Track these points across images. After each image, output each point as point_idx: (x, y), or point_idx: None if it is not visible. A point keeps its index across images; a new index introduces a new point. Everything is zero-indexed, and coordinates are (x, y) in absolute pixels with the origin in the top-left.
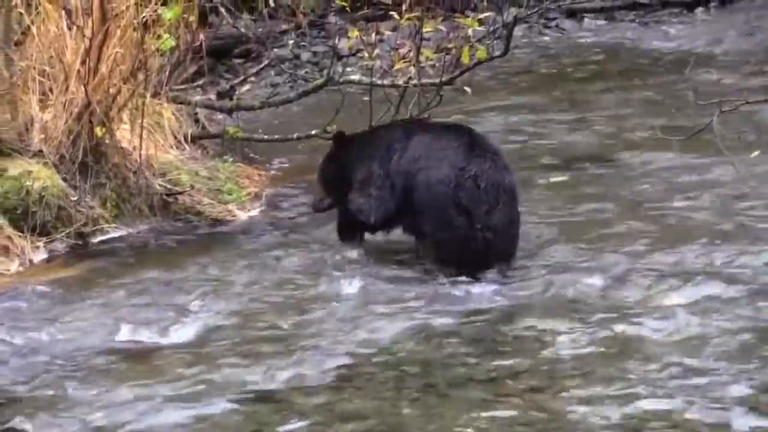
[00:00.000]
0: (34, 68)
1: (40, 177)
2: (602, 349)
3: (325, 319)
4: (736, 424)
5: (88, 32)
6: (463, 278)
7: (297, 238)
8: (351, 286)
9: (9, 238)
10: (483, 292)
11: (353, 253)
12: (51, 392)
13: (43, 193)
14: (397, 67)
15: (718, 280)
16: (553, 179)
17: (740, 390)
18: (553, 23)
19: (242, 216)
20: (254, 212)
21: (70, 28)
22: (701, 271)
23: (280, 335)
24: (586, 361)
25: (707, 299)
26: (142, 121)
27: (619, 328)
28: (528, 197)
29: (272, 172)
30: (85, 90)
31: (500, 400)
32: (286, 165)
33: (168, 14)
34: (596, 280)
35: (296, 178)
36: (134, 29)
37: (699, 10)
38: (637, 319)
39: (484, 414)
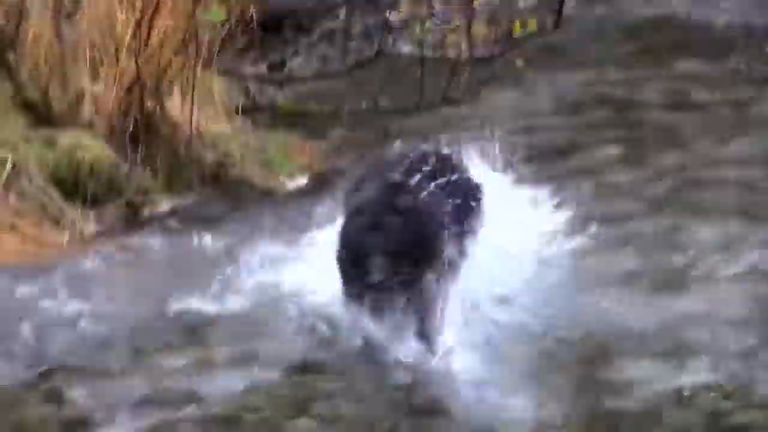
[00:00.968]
0: (85, 41)
1: (91, 149)
2: None
3: None
4: None
5: (138, 4)
6: None
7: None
8: None
9: (60, 209)
10: None
11: None
12: (100, 361)
13: (93, 165)
14: (448, 39)
15: None
16: None
17: None
18: None
19: (292, 187)
20: (304, 184)
21: (120, 1)
22: None
23: (331, 305)
24: None
25: None
26: (192, 94)
27: None
28: None
29: (322, 144)
30: (136, 62)
31: None
32: (335, 138)
33: None
34: None
35: (346, 150)
36: (185, 1)
37: None
38: None
39: None
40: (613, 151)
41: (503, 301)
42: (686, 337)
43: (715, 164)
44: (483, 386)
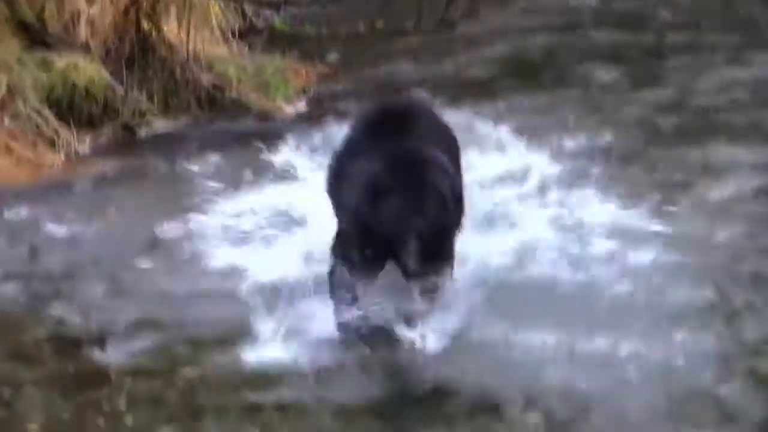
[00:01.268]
0: None
1: (86, 71)
2: None
3: None
4: None
5: None
6: None
7: (340, 132)
8: None
9: (55, 131)
10: None
11: None
12: (97, 284)
13: (89, 86)
14: None
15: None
16: None
17: None
18: None
19: (289, 111)
20: (301, 107)
21: None
22: None
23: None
24: None
25: None
26: (189, 16)
27: None
28: None
29: (319, 67)
30: None
31: None
32: (332, 61)
33: None
34: None
35: (343, 74)
36: None
37: None
38: None
39: None
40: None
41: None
42: None
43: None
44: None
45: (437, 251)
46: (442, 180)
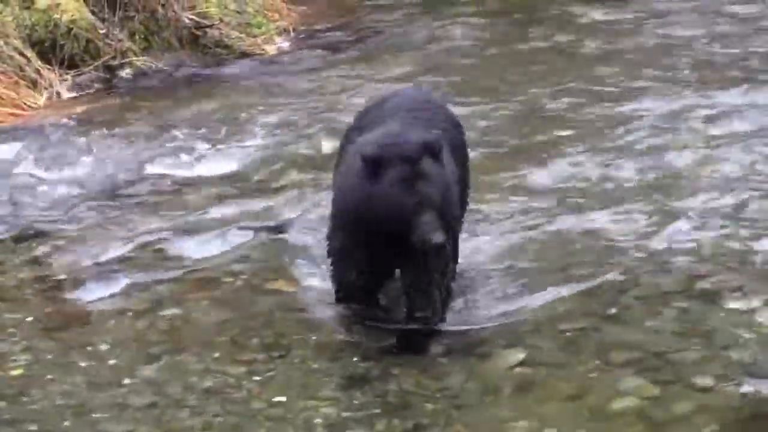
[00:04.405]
0: None
1: (69, 9)
2: None
3: None
4: None
5: None
6: None
7: (323, 72)
8: None
9: (37, 71)
10: None
11: None
12: (79, 224)
13: (71, 26)
14: None
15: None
16: None
17: None
18: None
19: (270, 50)
20: (283, 46)
21: None
22: None
23: (310, 164)
24: None
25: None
26: None
27: None
28: None
29: (301, 7)
30: None
31: None
32: (315, 1)
33: None
34: None
35: (325, 13)
36: None
37: None
38: None
39: None
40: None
41: None
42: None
43: None
44: None
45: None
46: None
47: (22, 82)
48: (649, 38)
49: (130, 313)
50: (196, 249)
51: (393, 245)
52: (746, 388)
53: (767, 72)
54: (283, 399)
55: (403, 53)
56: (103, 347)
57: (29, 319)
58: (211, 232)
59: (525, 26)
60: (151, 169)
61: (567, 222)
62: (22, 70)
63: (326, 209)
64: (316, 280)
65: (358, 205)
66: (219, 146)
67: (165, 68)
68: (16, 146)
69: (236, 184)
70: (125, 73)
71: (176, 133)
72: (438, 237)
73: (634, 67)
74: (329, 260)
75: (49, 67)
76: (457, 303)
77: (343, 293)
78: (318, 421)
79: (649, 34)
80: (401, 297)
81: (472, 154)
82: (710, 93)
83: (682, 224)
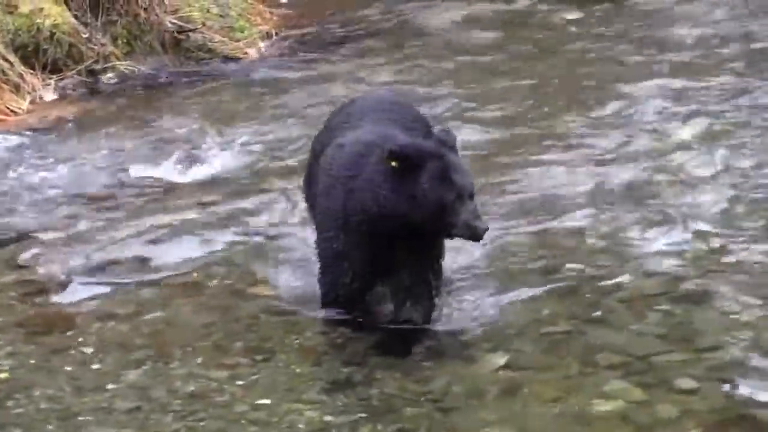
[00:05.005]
0: None
1: (51, 14)
2: None
3: None
4: None
5: None
6: None
7: (307, 74)
8: None
9: (21, 75)
10: None
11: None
12: (62, 229)
13: (54, 31)
14: None
15: None
16: None
17: None
18: None
19: (253, 53)
20: (265, 50)
21: None
22: None
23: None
24: None
25: None
26: None
27: None
28: None
29: (283, 10)
30: None
31: None
32: (296, 4)
33: None
34: None
35: (307, 17)
36: None
37: None
38: None
39: None
40: None
41: None
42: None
43: None
44: None
45: None
46: None
47: (5, 86)
48: (631, 39)
49: (114, 318)
50: (179, 253)
51: (396, 246)
52: (730, 391)
53: (749, 74)
54: (267, 402)
55: (385, 55)
56: (88, 351)
57: (14, 323)
58: (195, 236)
59: (509, 29)
60: (134, 173)
61: (550, 224)
62: (5, 74)
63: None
64: (299, 284)
65: (389, 207)
66: (202, 150)
67: (148, 72)
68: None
69: (219, 188)
70: (108, 77)
71: (159, 137)
72: (485, 223)
73: (616, 70)
74: (322, 263)
75: (32, 71)
76: (441, 306)
77: (335, 296)
78: (301, 425)
79: (629, 36)
80: (384, 299)
81: None
82: (694, 96)
83: (665, 227)
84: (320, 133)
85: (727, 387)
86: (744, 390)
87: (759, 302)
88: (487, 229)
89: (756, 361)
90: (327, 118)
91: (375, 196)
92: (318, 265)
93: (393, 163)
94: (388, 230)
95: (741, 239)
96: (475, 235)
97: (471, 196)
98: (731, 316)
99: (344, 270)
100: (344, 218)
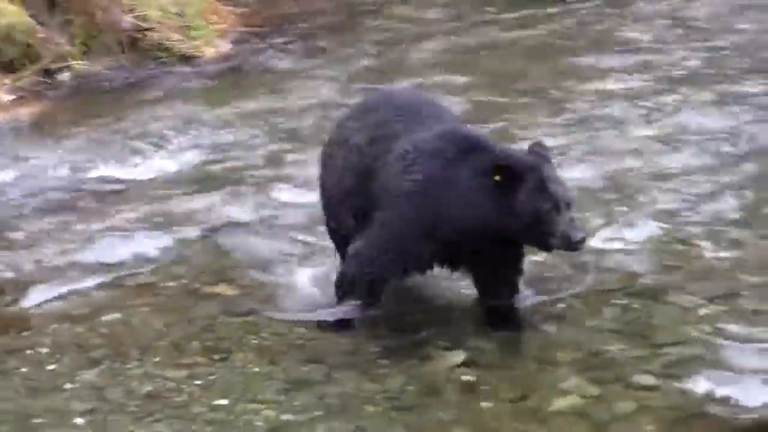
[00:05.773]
0: None
1: (7, 13)
2: None
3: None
4: None
5: None
6: None
7: (264, 72)
8: None
9: None
10: None
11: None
12: (18, 229)
13: (10, 30)
14: None
15: None
16: None
17: None
18: None
19: (210, 52)
20: (223, 49)
21: None
22: None
23: (247, 167)
24: None
25: None
26: None
27: None
28: None
29: (240, 9)
30: None
31: None
32: (253, 2)
33: None
34: None
35: (264, 15)
36: None
37: None
38: None
39: None
40: None
41: None
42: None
43: None
44: None
45: None
46: None
47: None
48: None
49: (71, 318)
50: (136, 253)
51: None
52: (687, 386)
53: (716, 75)
54: (225, 402)
55: (343, 50)
56: (43, 352)
57: None
58: (152, 235)
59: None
60: (91, 172)
61: None
62: None
63: (266, 210)
64: (257, 283)
65: (486, 220)
66: (160, 149)
67: (105, 71)
68: None
69: (176, 188)
70: (65, 76)
71: (117, 136)
72: (581, 232)
73: (583, 68)
74: (367, 253)
75: None
76: (396, 305)
77: (360, 289)
78: (259, 423)
79: (594, 34)
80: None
81: None
82: (656, 96)
83: (622, 222)
84: (350, 130)
85: (684, 383)
86: (702, 386)
87: (716, 297)
88: (584, 238)
89: (713, 356)
90: (357, 113)
91: (474, 210)
92: (355, 257)
93: (496, 177)
94: (477, 240)
95: (698, 234)
96: (570, 246)
97: (568, 206)
98: (689, 312)
99: (397, 263)
100: (427, 225)
